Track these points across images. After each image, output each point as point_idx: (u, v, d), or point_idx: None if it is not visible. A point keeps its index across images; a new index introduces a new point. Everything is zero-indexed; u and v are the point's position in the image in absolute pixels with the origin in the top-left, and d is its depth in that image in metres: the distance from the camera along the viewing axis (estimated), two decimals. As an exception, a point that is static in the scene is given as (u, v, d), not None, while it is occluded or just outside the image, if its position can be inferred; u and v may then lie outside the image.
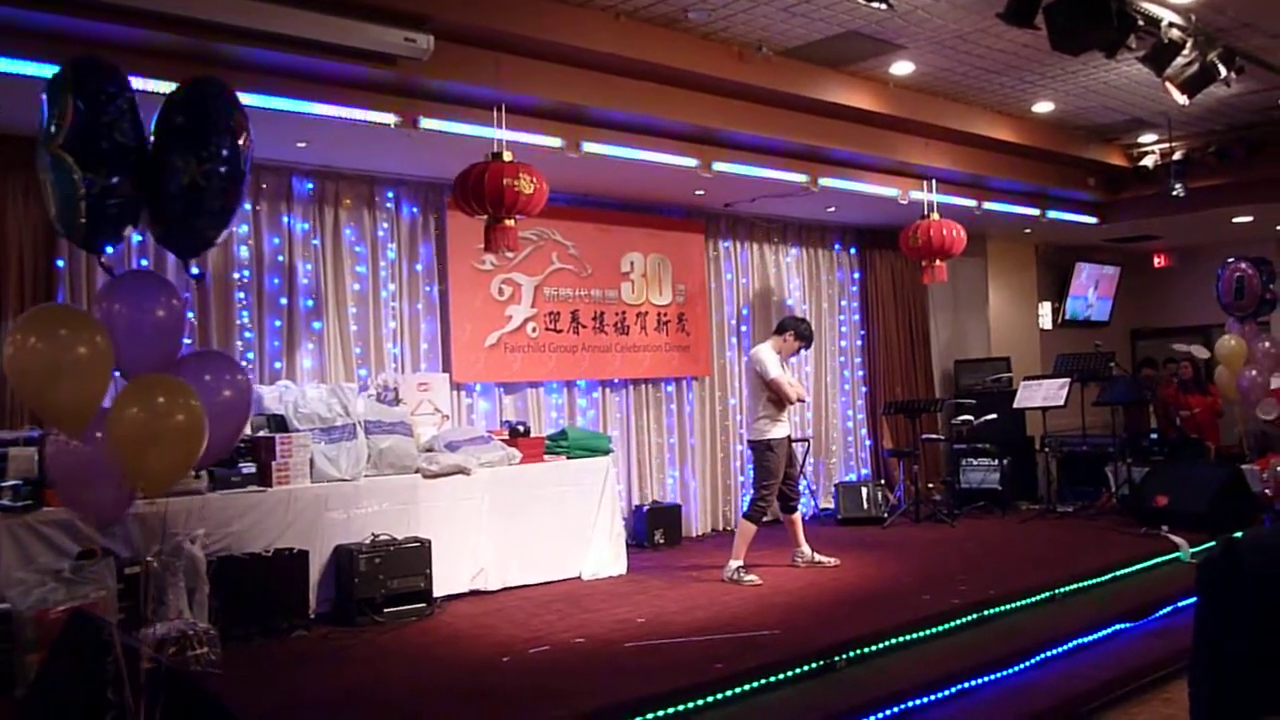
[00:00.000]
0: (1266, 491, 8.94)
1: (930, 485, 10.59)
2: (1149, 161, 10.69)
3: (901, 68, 8.18)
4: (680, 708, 4.63)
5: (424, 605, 6.38)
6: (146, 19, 5.29)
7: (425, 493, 6.78)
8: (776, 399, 7.31)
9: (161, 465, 3.61)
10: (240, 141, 3.98)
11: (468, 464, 6.95)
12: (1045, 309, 13.39)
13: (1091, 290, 13.84)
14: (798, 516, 7.67)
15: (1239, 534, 3.85)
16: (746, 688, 4.89)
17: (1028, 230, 12.01)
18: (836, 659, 5.29)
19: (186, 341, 6.73)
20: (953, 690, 5.14)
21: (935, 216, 9.23)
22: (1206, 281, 10.58)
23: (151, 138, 3.97)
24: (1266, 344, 9.91)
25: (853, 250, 11.18)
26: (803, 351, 8.03)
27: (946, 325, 12.14)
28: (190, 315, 6.90)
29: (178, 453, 3.63)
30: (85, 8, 5.15)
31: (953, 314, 12.23)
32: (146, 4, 5.21)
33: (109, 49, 5.25)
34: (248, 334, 7.18)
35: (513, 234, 6.66)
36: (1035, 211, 10.95)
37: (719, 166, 8.12)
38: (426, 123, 6.60)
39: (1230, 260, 10.19)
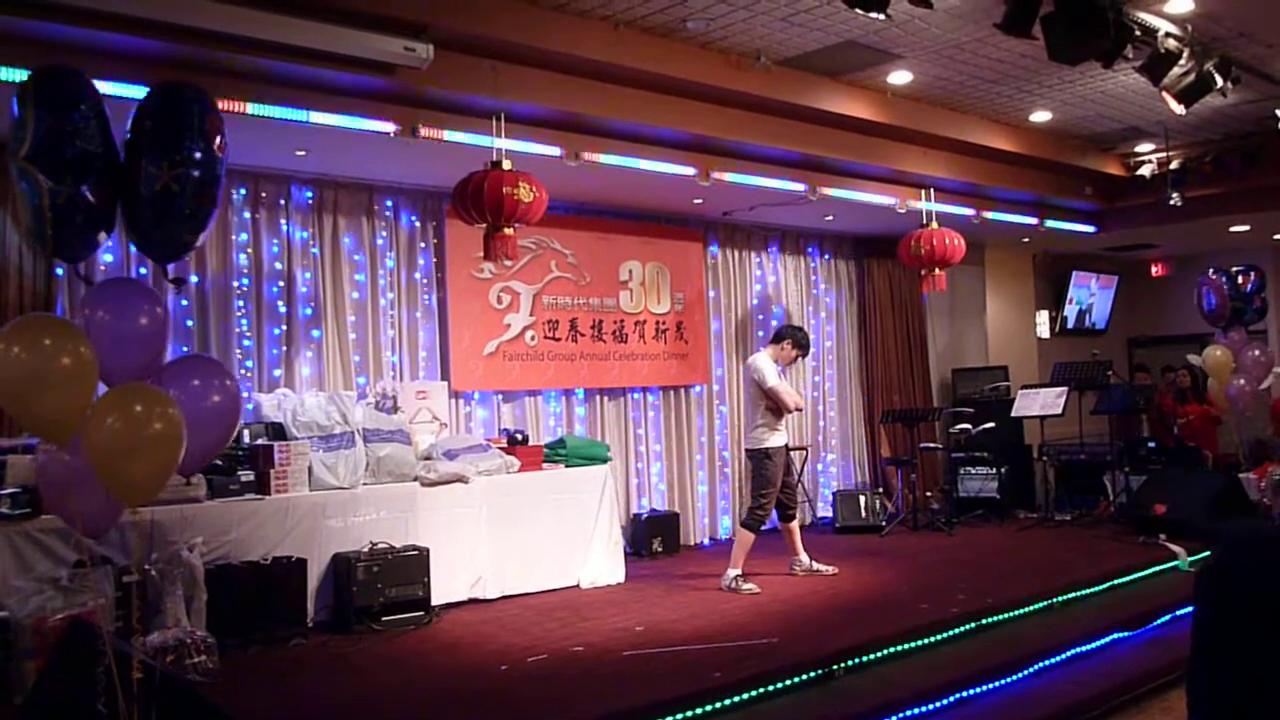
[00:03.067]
0: (1264, 500, 8.95)
1: (928, 494, 10.59)
2: (1146, 171, 10.72)
3: (899, 77, 8.20)
4: (679, 716, 4.63)
5: (422, 613, 6.37)
6: (144, 28, 5.28)
7: (423, 501, 6.78)
8: (774, 408, 7.32)
9: (141, 475, 3.56)
10: (214, 144, 3.88)
11: (466, 472, 6.95)
12: (1043, 318, 13.41)
13: (1094, 281, 13.89)
14: (795, 525, 7.67)
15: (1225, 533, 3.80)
16: (745, 696, 4.89)
17: (1025, 239, 12.04)
18: (835, 667, 5.28)
19: (184, 349, 6.78)
20: (951, 699, 5.14)
21: (934, 225, 9.25)
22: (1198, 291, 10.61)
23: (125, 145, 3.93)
24: (1256, 352, 9.92)
25: (851, 259, 11.20)
26: (800, 360, 8.04)
27: (944, 334, 12.16)
28: (189, 323, 6.92)
29: (157, 462, 3.57)
30: (79, 16, 5.12)
31: (950, 323, 12.25)
32: (143, 12, 5.21)
33: (103, 58, 5.27)
34: (246, 342, 7.17)
35: (512, 242, 6.67)
36: (1033, 220, 10.97)
37: (717, 175, 8.14)
38: (425, 131, 6.60)
39: (1210, 271, 10.22)
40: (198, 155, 3.80)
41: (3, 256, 6.13)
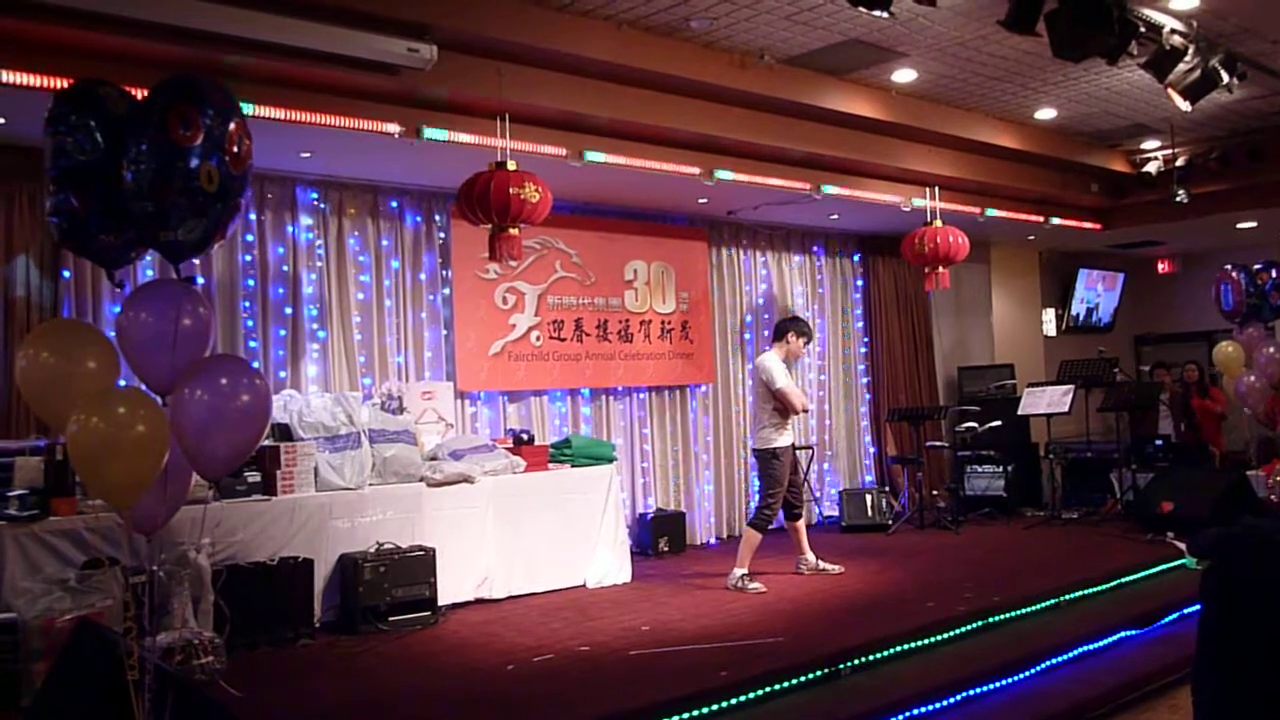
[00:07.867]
0: (1272, 497, 8.92)
1: (934, 492, 10.57)
2: (1152, 167, 10.69)
3: (903, 75, 8.19)
4: (685, 715, 4.63)
5: (429, 614, 6.38)
6: (151, 31, 5.30)
7: (430, 501, 6.78)
8: (782, 407, 7.32)
9: (121, 478, 3.54)
10: (176, 134, 3.69)
11: (472, 472, 6.95)
12: (1049, 315, 13.40)
13: (1100, 283, 13.88)
14: (802, 524, 7.68)
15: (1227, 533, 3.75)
16: (752, 695, 4.89)
17: (1031, 237, 12.02)
18: (842, 666, 5.28)
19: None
20: (958, 698, 5.13)
21: (938, 223, 9.24)
22: (1210, 287, 10.58)
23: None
24: (1271, 350, 9.87)
25: (856, 257, 11.19)
26: (806, 352, 8.03)
27: (950, 332, 12.14)
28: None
29: (138, 465, 3.55)
30: (89, 20, 5.15)
31: (956, 320, 12.23)
32: (151, 16, 5.22)
33: (112, 61, 5.28)
34: (252, 343, 7.19)
35: (517, 242, 6.67)
36: (1038, 218, 10.95)
37: (721, 174, 8.14)
38: (430, 132, 6.61)
39: (1228, 267, 10.18)
40: (145, 148, 3.69)
41: (10, 259, 6.17)
